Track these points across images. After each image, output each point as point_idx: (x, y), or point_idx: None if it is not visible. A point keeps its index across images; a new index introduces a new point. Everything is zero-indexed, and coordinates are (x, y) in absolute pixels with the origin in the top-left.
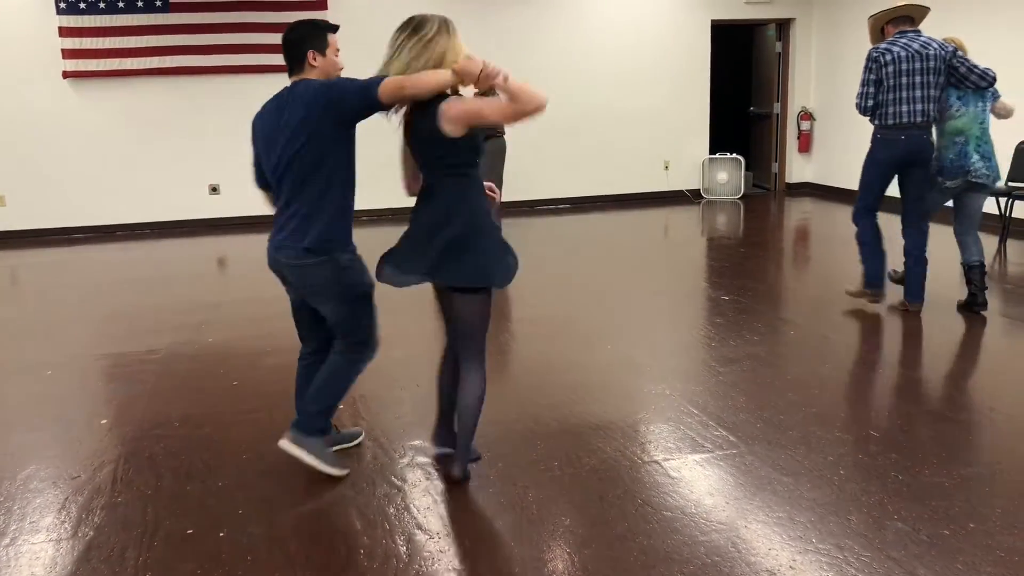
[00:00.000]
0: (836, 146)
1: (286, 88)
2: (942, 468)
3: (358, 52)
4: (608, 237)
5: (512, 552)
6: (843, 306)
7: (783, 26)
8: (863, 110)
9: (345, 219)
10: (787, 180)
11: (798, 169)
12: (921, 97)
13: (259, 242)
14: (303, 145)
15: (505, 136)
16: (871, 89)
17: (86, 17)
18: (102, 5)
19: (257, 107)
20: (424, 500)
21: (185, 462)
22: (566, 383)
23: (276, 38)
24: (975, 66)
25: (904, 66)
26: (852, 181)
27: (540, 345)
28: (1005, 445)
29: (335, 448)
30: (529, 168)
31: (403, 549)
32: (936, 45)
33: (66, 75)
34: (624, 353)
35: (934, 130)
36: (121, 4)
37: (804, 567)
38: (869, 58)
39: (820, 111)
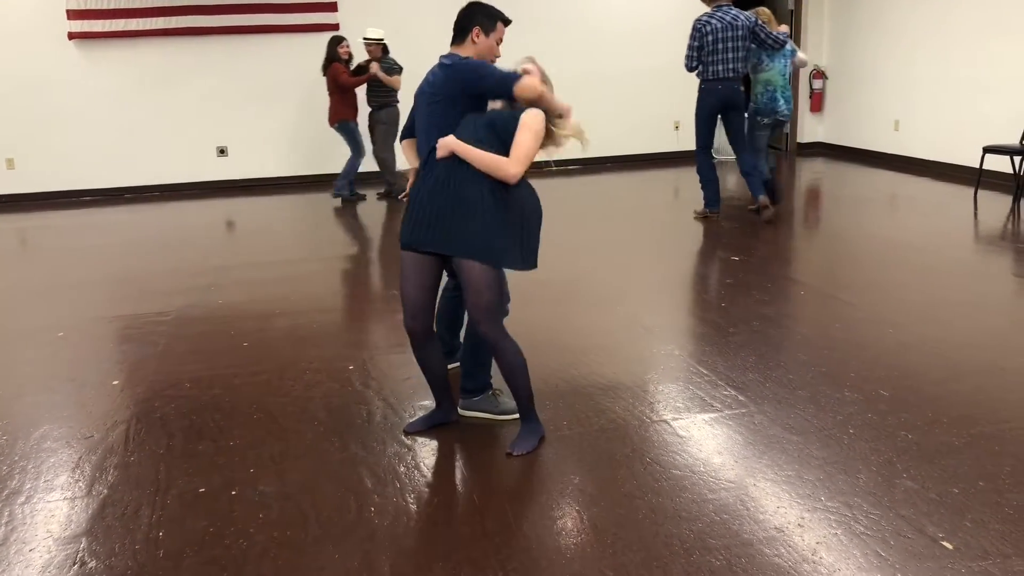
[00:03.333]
0: (849, 105)
1: (443, 57)
2: (952, 427)
3: (363, 10)
4: (617, 198)
5: (521, 509)
6: (854, 266)
7: None
8: (689, 68)
9: None
10: (799, 140)
11: (810, 128)
12: (732, 58)
13: (267, 204)
14: (439, 112)
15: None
16: (695, 52)
17: None
18: None
19: (264, 67)
20: (434, 459)
21: (196, 422)
22: (575, 345)
23: None
24: (770, 33)
25: (720, 34)
26: (865, 140)
27: (549, 308)
28: (1015, 404)
29: (490, 416)
30: None
31: (413, 507)
32: (743, 17)
33: (71, 36)
34: (633, 314)
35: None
36: None
37: (813, 524)
38: (694, 27)
39: (833, 70)
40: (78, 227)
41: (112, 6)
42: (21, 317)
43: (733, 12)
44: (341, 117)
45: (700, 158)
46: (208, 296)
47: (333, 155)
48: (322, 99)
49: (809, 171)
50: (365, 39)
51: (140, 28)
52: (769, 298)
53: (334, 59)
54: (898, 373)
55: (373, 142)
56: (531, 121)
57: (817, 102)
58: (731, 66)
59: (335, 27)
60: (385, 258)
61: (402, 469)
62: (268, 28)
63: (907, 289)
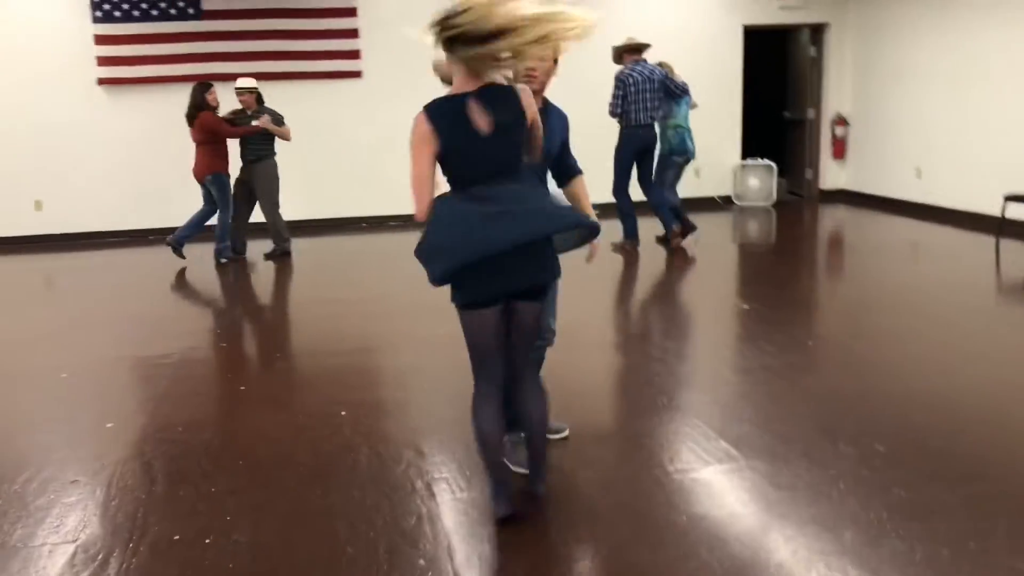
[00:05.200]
0: (871, 152)
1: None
2: (948, 484)
3: (386, 57)
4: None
5: (497, 566)
6: (868, 315)
7: (817, 30)
8: (614, 115)
9: None
10: (821, 187)
11: (832, 176)
12: (650, 107)
13: (293, 244)
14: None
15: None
16: (619, 101)
17: (121, 25)
18: (136, 13)
19: (288, 113)
20: (413, 511)
21: (182, 467)
22: (572, 389)
23: (307, 45)
24: (677, 83)
25: (640, 86)
26: (888, 188)
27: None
28: (1018, 462)
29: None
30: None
31: (385, 563)
32: (657, 72)
33: (101, 82)
34: (634, 360)
35: (657, 127)
36: (155, 12)
37: None
38: (618, 79)
39: (855, 117)
40: (100, 268)
41: (141, 54)
42: (29, 357)
43: (649, 66)
44: (216, 169)
45: (622, 198)
46: (214, 338)
47: (361, 200)
48: (354, 146)
49: (830, 218)
50: (239, 88)
51: (167, 74)
52: (775, 348)
53: (201, 107)
54: (898, 426)
55: (257, 198)
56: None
57: (839, 149)
58: (649, 114)
59: (358, 74)
60: (395, 302)
61: (379, 522)
62: (293, 75)
63: (920, 339)
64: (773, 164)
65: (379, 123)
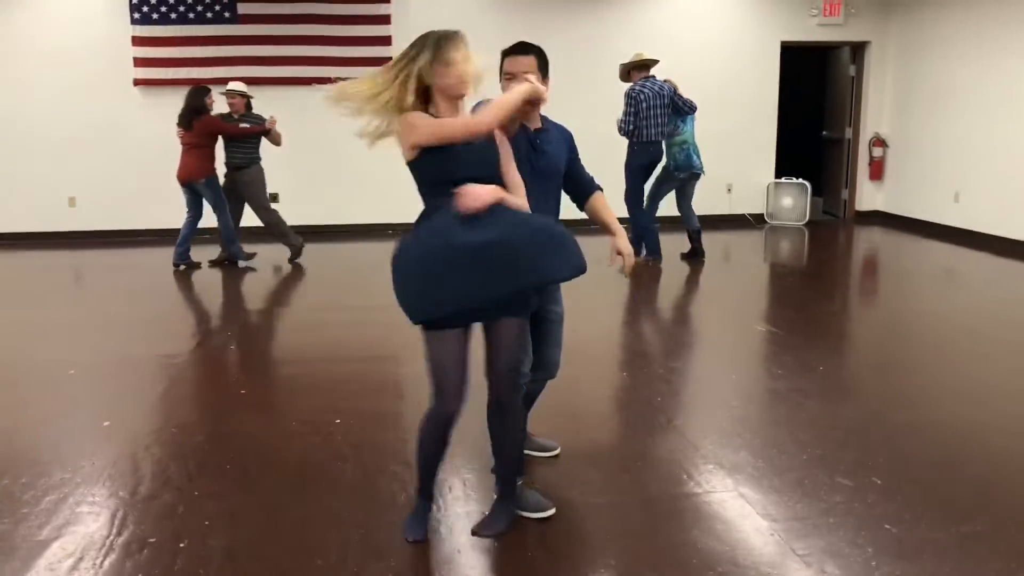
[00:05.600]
0: (909, 174)
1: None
2: (942, 523)
3: None
4: (664, 260)
5: None
6: (889, 343)
7: (858, 49)
8: (626, 132)
9: None
10: (857, 208)
11: (868, 197)
12: (660, 122)
13: (315, 250)
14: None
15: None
16: (632, 117)
17: (158, 27)
18: (173, 16)
19: (317, 119)
20: (389, 525)
21: (169, 469)
22: (567, 411)
23: (339, 51)
24: (686, 100)
25: (652, 101)
26: (925, 211)
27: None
28: (1020, 502)
29: (536, 455)
30: None
31: None
32: (666, 88)
33: (137, 83)
34: (639, 379)
35: (663, 143)
36: (192, 15)
37: None
38: (630, 95)
39: (894, 138)
40: (127, 265)
41: (177, 56)
42: (40, 352)
43: (659, 83)
44: (210, 173)
45: (640, 213)
46: (226, 339)
47: (390, 207)
48: (385, 153)
49: (865, 241)
50: (230, 91)
51: (201, 76)
52: (784, 372)
53: (201, 110)
54: (899, 459)
55: (248, 203)
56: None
57: (877, 170)
58: (660, 130)
59: None
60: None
61: (354, 536)
62: (325, 80)
63: (938, 371)
64: (807, 183)
65: None
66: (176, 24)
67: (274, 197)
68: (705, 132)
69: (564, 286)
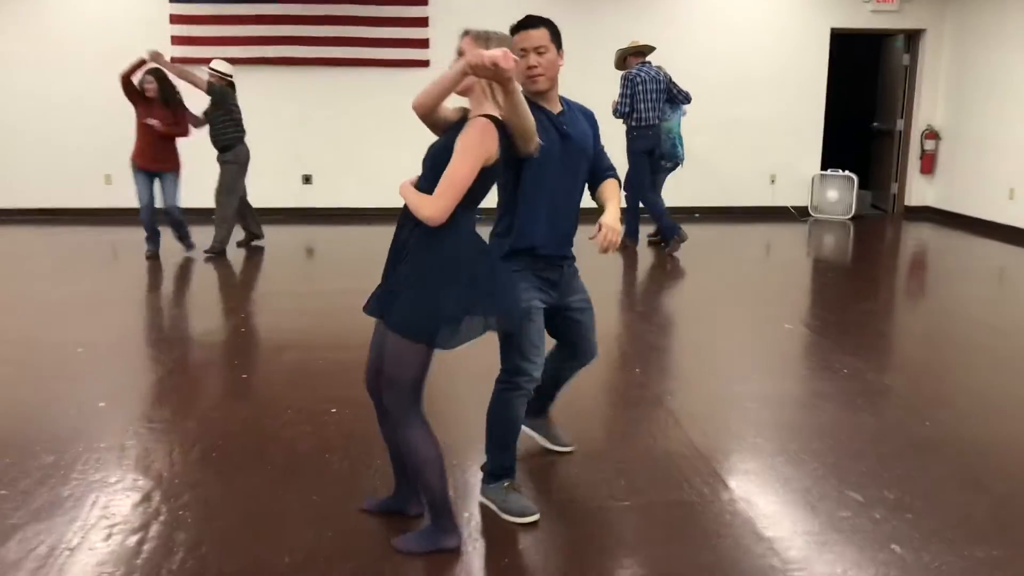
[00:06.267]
0: (962, 169)
1: None
2: (953, 546)
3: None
4: (697, 251)
5: None
6: (923, 347)
7: (912, 37)
8: (622, 115)
9: None
10: (906, 203)
11: (919, 192)
12: (656, 107)
13: (347, 233)
14: None
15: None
16: (628, 100)
17: (196, 5)
18: None
19: (352, 99)
20: (364, 522)
21: (154, 455)
22: (570, 407)
23: (377, 32)
24: (681, 90)
25: (649, 86)
26: (977, 208)
27: None
28: None
29: (542, 441)
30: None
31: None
32: (662, 75)
33: (174, 60)
34: (649, 378)
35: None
36: None
37: None
38: (627, 79)
39: (947, 130)
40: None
41: (214, 35)
42: (55, 329)
43: (654, 68)
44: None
45: (650, 197)
46: (237, 322)
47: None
48: (418, 136)
49: (914, 237)
50: (212, 70)
51: (238, 56)
52: (806, 374)
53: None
54: (914, 473)
55: (218, 185)
56: (465, 138)
57: (928, 164)
58: (656, 114)
59: (426, 63)
60: None
61: (328, 531)
62: (360, 62)
63: (975, 378)
64: (854, 176)
65: None
66: (214, 3)
67: (307, 179)
68: (748, 121)
69: (588, 275)
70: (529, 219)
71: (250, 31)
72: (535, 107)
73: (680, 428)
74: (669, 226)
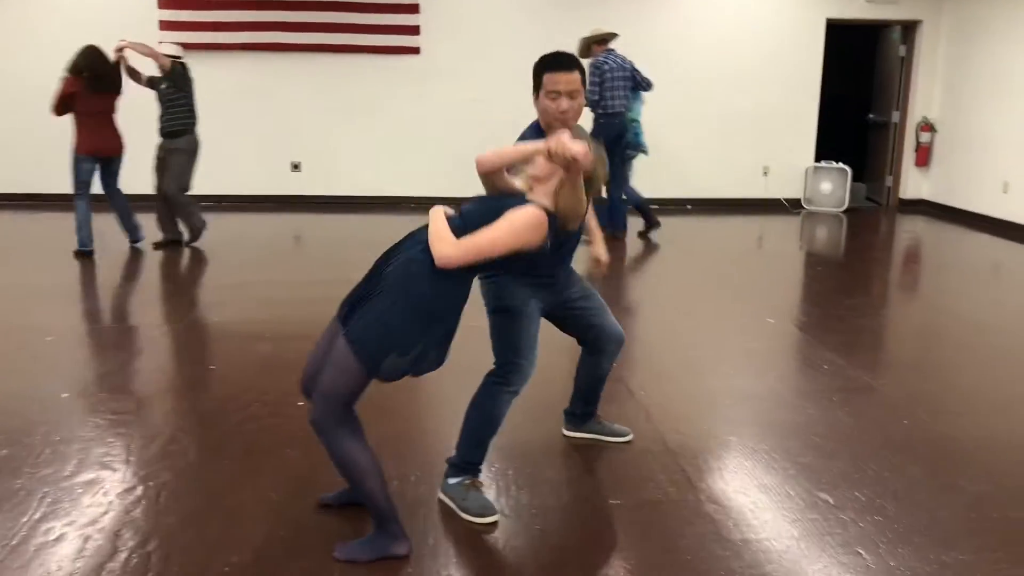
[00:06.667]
0: (958, 162)
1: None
2: (920, 550)
3: (446, 34)
4: (686, 244)
5: None
6: (913, 343)
7: (908, 28)
8: (592, 104)
9: None
10: (901, 196)
11: (914, 184)
12: (623, 95)
13: (335, 222)
14: None
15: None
16: (597, 89)
17: None
18: None
19: (343, 86)
20: (313, 523)
21: (111, 447)
22: (540, 404)
23: (367, 18)
24: (644, 78)
25: (616, 73)
26: (971, 202)
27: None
28: (1014, 529)
29: (602, 437)
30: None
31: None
32: (628, 63)
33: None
34: (623, 372)
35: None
36: None
37: None
38: (595, 66)
39: (943, 123)
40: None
41: (202, 20)
42: (27, 316)
43: (619, 56)
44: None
45: (625, 187)
46: (211, 311)
47: (410, 180)
48: (408, 124)
49: (907, 231)
50: (165, 55)
51: (227, 42)
52: (785, 369)
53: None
54: (889, 475)
55: (168, 170)
56: (516, 220)
57: (923, 156)
58: (622, 102)
59: (416, 50)
60: None
61: (280, 532)
62: (350, 48)
63: (962, 375)
64: (847, 168)
65: (435, 101)
66: None
67: (296, 166)
68: (741, 112)
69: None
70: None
71: (239, 16)
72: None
73: (651, 424)
74: (623, 216)
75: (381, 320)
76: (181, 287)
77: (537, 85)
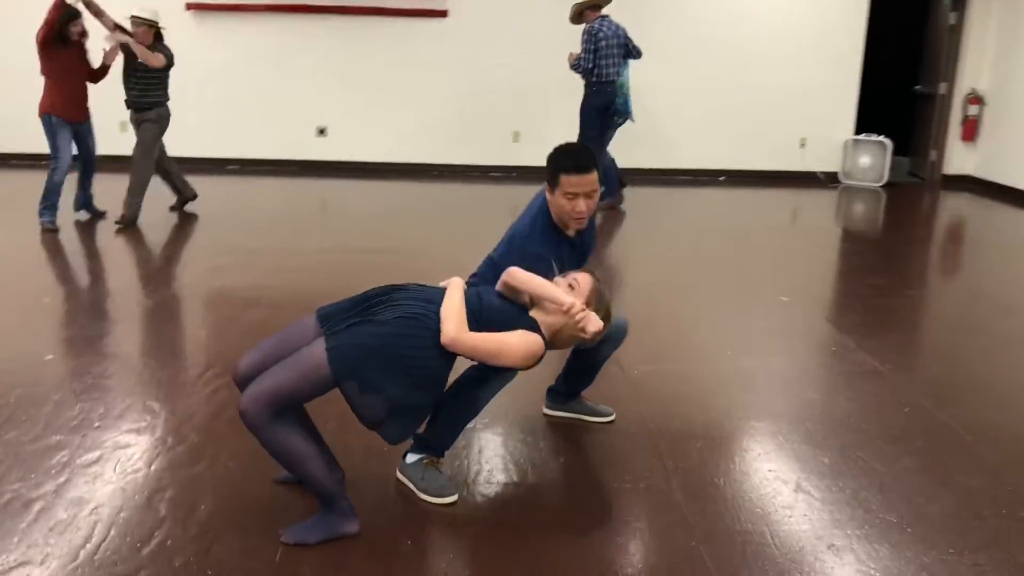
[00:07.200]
0: (1008, 137)
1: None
2: (900, 547)
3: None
4: (714, 217)
5: None
6: (928, 331)
7: None
8: (585, 71)
9: None
10: (944, 171)
11: (959, 159)
12: (616, 62)
13: (360, 188)
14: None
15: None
16: (591, 55)
17: None
18: None
19: (369, 49)
20: (261, 512)
21: (78, 411)
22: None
23: None
24: (635, 45)
25: (611, 41)
26: (1021, 179)
27: None
28: (998, 534)
29: (583, 417)
30: (639, 136)
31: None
32: (621, 29)
33: (189, 7)
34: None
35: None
36: None
37: None
38: (589, 33)
39: (992, 95)
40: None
41: None
42: (26, 278)
43: (613, 22)
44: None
45: (603, 155)
46: (213, 277)
47: (435, 147)
48: (434, 89)
49: (950, 208)
50: (134, 17)
51: (253, 3)
52: (789, 350)
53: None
54: (881, 466)
55: (135, 148)
56: (523, 341)
57: (970, 130)
58: (616, 70)
59: (443, 13)
60: (420, 260)
61: (232, 505)
62: (376, 11)
63: (974, 364)
64: (888, 141)
65: (463, 66)
66: None
67: (322, 131)
68: (778, 81)
69: None
70: None
71: None
72: (558, 233)
73: (636, 405)
74: (613, 184)
75: (364, 345)
76: (191, 252)
77: (553, 182)
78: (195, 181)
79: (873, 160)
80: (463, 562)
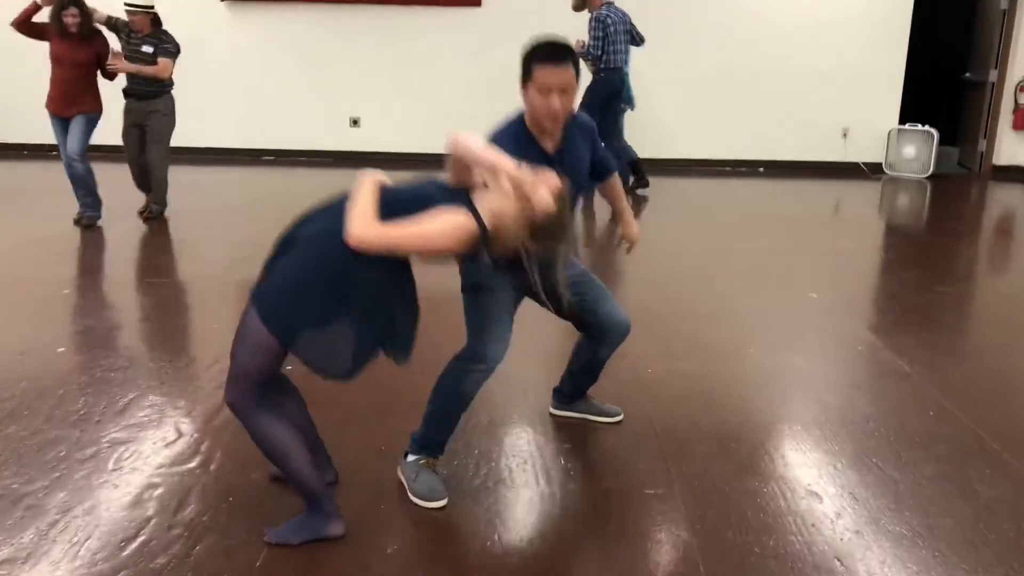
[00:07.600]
0: None
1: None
2: (905, 567)
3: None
4: (749, 209)
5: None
6: (956, 331)
7: None
8: (596, 58)
9: None
10: (994, 162)
11: (1009, 150)
12: (624, 49)
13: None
14: None
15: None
16: (600, 42)
17: None
18: None
19: (403, 40)
20: (243, 505)
21: (83, 404)
22: (517, 381)
23: None
24: (638, 32)
25: (618, 27)
26: None
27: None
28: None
29: (590, 417)
30: (676, 124)
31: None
32: (627, 16)
33: None
34: (632, 346)
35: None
36: None
37: None
38: (598, 20)
39: None
40: (201, 184)
41: None
42: (49, 268)
43: (619, 9)
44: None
45: (621, 143)
46: (231, 269)
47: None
48: (465, 80)
49: (998, 201)
50: (129, 5)
51: None
52: (812, 348)
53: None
54: (897, 473)
55: (149, 144)
56: (440, 219)
57: (1022, 119)
58: (624, 57)
59: (477, 2)
60: None
61: (223, 504)
62: (410, 0)
63: (1010, 364)
64: (934, 131)
65: (495, 57)
66: None
67: (355, 121)
68: (819, 69)
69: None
70: None
71: None
72: (531, 143)
73: (644, 404)
74: (623, 171)
75: (280, 287)
76: (217, 243)
77: (526, 76)
78: (231, 172)
79: (918, 150)
80: (445, 571)
